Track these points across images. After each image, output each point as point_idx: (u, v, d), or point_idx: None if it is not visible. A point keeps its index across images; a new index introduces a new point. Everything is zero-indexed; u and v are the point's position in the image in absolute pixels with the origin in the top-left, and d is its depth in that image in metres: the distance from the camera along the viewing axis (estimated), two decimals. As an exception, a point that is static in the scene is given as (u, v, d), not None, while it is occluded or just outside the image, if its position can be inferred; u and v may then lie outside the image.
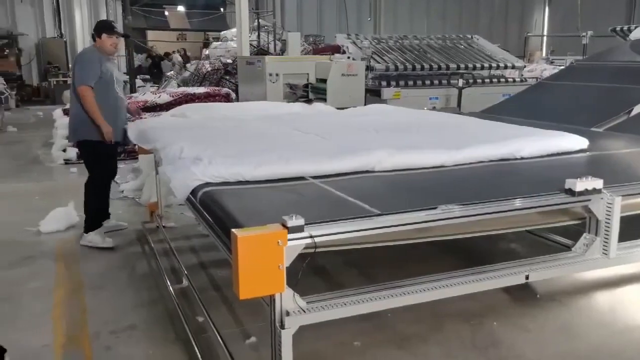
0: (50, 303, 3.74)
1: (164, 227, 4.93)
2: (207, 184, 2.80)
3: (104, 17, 18.46)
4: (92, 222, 4.73)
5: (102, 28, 4.65)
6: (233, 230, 2.01)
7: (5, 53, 17.12)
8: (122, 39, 4.70)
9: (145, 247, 4.74)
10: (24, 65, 18.40)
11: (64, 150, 8.48)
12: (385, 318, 3.26)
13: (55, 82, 17.37)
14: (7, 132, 11.54)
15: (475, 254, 4.25)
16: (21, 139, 10.65)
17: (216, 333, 2.91)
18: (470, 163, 3.34)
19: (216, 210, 2.49)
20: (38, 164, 8.41)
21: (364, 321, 3.00)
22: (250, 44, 11.49)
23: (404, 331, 3.25)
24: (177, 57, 19.98)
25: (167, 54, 20.64)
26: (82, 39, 18.84)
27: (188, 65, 14.34)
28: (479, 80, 9.51)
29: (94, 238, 4.69)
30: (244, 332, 3.25)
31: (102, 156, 4.70)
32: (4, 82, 13.49)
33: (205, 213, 2.63)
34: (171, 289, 3.78)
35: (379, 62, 9.05)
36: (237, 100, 9.65)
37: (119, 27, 4.85)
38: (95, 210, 4.75)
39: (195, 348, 3.01)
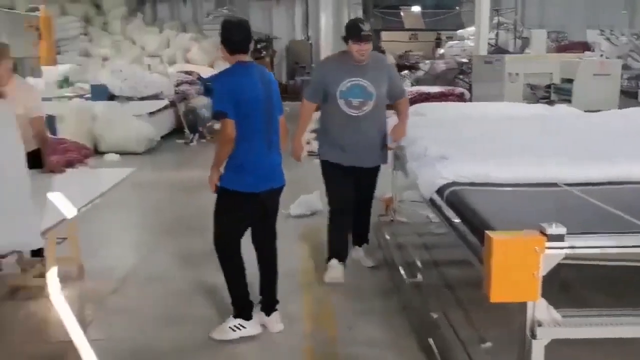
0: (296, 281, 4.18)
1: (398, 221, 5.11)
2: (454, 183, 2.83)
3: (345, 21, 19.50)
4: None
5: (347, 33, 3.91)
6: (488, 232, 2.01)
7: (262, 54, 19.35)
8: (370, 43, 3.90)
9: (381, 240, 4.97)
10: (275, 64, 20.60)
11: (308, 143, 9.30)
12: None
13: (301, 80, 19.07)
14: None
15: None
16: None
17: (454, 332, 2.93)
18: None
19: (465, 211, 2.50)
20: (286, 154, 9.34)
21: (614, 345, 2.73)
22: (488, 43, 11.18)
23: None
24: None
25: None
26: (325, 41, 20.32)
27: (421, 64, 14.53)
28: None
29: None
30: (478, 335, 3.22)
31: (329, 176, 4.29)
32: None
33: (451, 212, 2.67)
34: (407, 282, 3.92)
35: (638, 61, 8.06)
36: (471, 100, 9.49)
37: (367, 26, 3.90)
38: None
39: (432, 344, 3.08)
